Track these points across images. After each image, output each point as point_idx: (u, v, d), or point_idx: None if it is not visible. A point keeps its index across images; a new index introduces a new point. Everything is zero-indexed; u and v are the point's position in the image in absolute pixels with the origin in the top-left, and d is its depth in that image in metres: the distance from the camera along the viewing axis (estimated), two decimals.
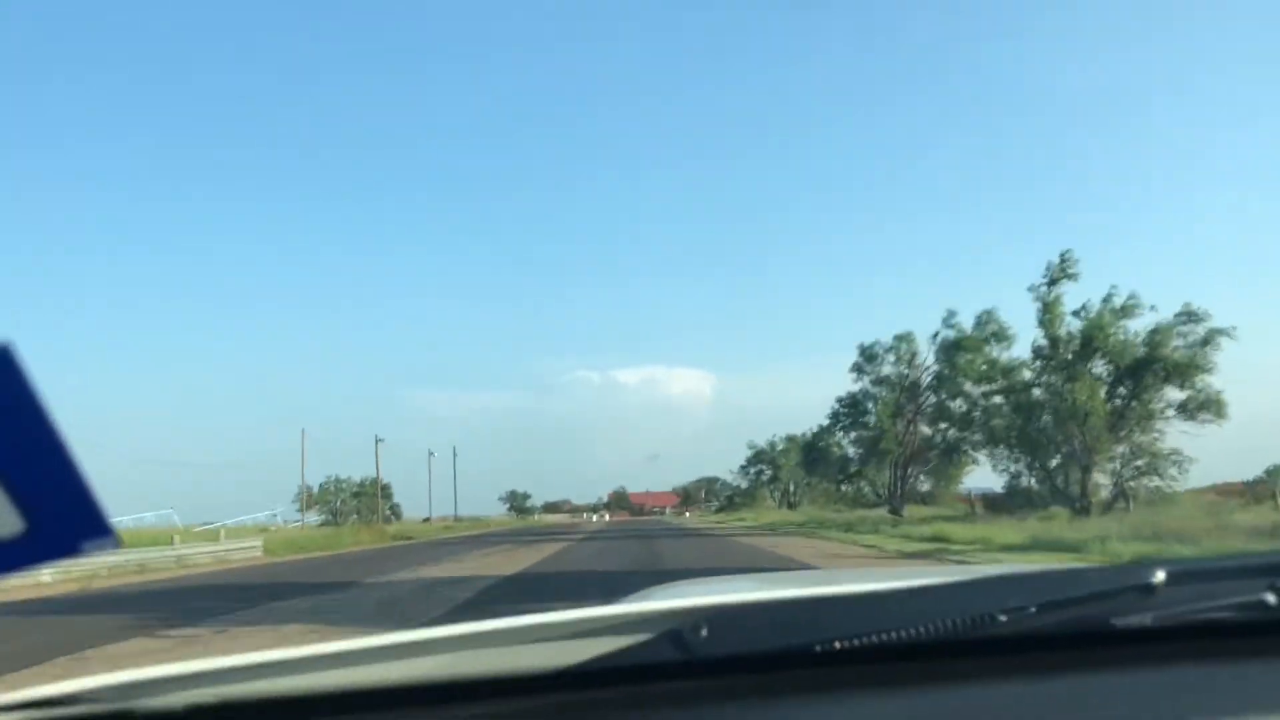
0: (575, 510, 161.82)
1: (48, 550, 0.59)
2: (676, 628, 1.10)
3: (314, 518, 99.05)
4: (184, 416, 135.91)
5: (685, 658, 1.09)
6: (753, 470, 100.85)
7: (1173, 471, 35.81)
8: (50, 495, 0.59)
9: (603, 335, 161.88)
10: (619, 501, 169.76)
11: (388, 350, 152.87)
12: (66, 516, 0.59)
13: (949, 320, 42.87)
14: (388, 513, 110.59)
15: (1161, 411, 35.67)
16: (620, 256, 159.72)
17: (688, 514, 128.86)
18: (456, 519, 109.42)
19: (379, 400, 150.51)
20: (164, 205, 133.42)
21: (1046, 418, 36.63)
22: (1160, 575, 1.19)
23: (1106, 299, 35.84)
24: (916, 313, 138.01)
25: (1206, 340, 34.20)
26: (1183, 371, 34.32)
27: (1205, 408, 34.57)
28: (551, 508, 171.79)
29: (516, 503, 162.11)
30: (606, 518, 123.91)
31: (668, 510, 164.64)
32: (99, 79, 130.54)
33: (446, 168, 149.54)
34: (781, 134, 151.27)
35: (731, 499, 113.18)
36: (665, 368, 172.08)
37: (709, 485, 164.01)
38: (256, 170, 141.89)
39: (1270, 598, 1.17)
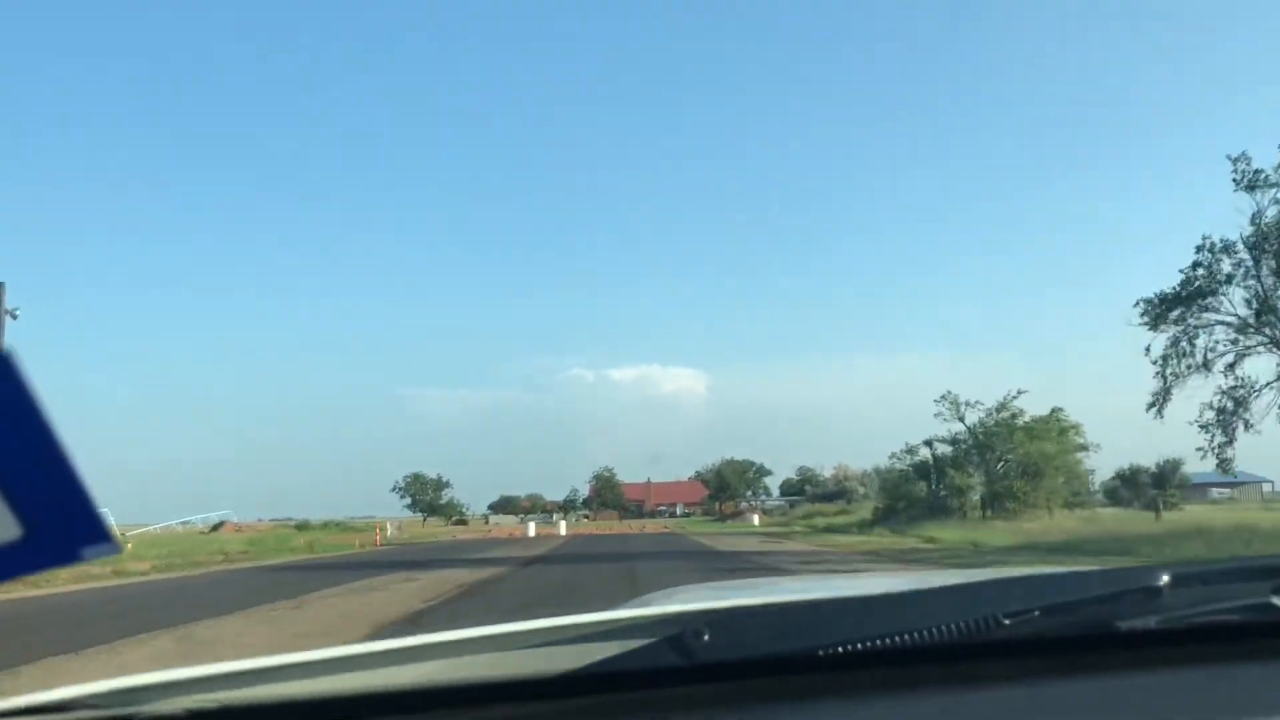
0: (533, 511, 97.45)
1: (47, 556, 0.59)
2: (678, 632, 1.08)
3: None
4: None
5: (687, 662, 1.07)
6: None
7: None
8: (50, 501, 0.58)
9: (598, 334, 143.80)
10: (604, 496, 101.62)
11: (373, 347, 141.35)
12: (66, 523, 0.59)
13: None
14: None
15: None
16: (618, 255, 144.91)
17: (756, 518, 60.67)
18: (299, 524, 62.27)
19: (363, 396, 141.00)
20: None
21: None
22: (1165, 578, 1.18)
23: None
24: (920, 311, 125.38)
25: None
26: None
27: None
28: (504, 505, 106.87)
29: (423, 496, 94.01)
30: (562, 530, 56.25)
31: (680, 508, 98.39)
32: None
33: (443, 166, 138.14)
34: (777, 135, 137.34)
35: (950, 463, 39.57)
36: (660, 366, 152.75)
37: (743, 471, 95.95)
38: (247, 164, 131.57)
39: (1275, 600, 1.16)
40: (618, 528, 69.87)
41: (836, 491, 72.86)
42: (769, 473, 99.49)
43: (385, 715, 1.03)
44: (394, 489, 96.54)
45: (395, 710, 1.03)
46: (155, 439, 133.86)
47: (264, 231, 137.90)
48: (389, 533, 58.07)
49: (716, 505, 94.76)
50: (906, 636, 1.09)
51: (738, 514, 77.92)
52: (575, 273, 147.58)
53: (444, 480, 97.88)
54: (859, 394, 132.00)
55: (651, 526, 65.82)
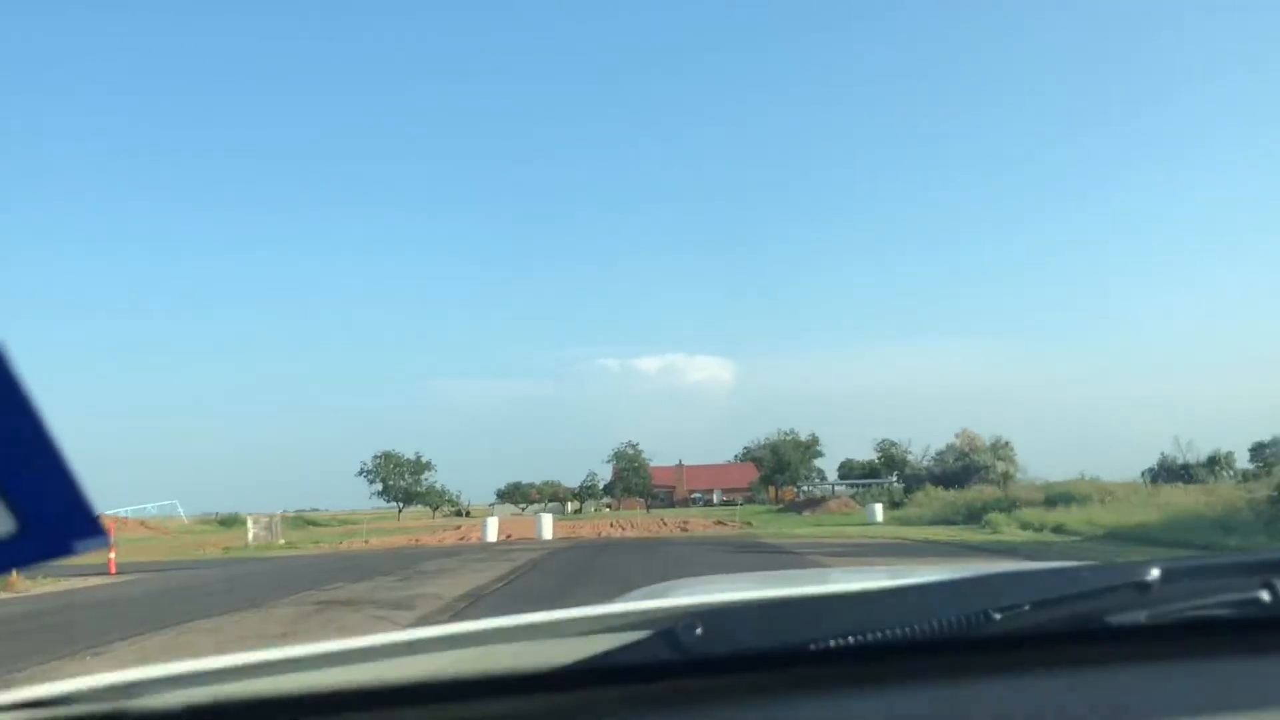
0: (541, 500, 78.68)
1: (38, 550, 0.58)
2: (671, 627, 1.10)
3: None
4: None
5: (680, 657, 1.08)
6: None
7: None
8: (41, 495, 0.58)
9: (624, 325, 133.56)
10: (627, 480, 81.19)
11: (395, 338, 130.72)
12: (58, 516, 0.58)
13: None
14: None
15: None
16: (637, 244, 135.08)
17: (879, 510, 40.06)
18: None
19: (385, 386, 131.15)
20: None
21: None
22: (1154, 573, 1.19)
23: None
24: (932, 305, 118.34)
25: None
26: None
27: None
28: (511, 493, 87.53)
29: (397, 481, 74.31)
30: (545, 530, 35.66)
31: (717, 495, 78.29)
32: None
33: (468, 155, 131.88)
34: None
35: None
36: (686, 355, 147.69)
37: (804, 448, 75.21)
38: (262, 161, 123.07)
39: (1264, 595, 1.17)
40: (643, 523, 49.09)
41: (961, 470, 52.13)
42: (821, 453, 79.01)
43: (379, 709, 1.02)
44: (360, 473, 76.34)
45: (390, 704, 1.03)
46: (131, 425, 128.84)
47: (275, 231, 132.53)
48: (250, 535, 36.52)
49: (771, 490, 74.15)
50: (899, 631, 1.10)
51: (813, 503, 56.42)
52: (596, 262, 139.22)
53: (424, 461, 77.76)
54: (892, 379, 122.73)
55: (696, 522, 45.33)
